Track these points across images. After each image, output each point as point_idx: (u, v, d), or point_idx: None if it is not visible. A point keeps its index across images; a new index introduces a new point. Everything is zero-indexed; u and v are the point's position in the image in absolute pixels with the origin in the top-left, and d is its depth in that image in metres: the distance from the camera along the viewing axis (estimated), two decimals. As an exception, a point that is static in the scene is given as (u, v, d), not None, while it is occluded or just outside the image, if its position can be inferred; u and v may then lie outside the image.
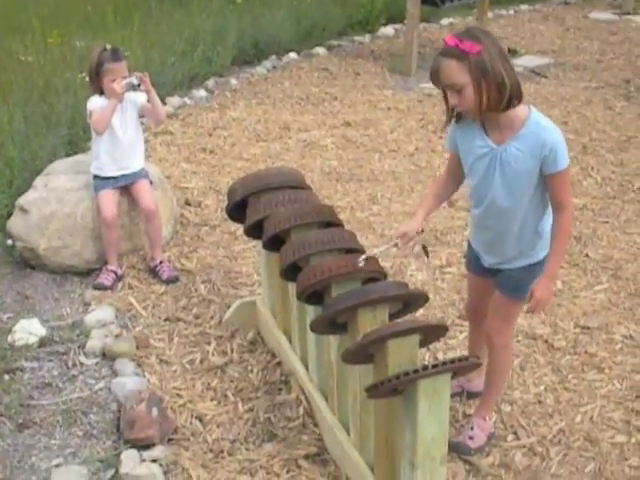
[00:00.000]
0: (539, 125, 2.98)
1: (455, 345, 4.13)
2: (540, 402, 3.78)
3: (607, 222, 5.56)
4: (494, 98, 2.89)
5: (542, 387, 3.88)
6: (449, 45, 2.89)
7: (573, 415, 3.70)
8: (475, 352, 3.57)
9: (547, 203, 3.13)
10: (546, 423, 3.64)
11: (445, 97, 3.00)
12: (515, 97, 2.92)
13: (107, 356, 4.03)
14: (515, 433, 3.58)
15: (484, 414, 3.50)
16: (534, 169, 2.99)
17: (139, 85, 4.58)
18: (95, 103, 4.66)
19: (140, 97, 4.73)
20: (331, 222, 3.52)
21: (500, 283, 3.30)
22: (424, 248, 3.48)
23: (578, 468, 3.40)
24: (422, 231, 3.25)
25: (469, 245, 3.46)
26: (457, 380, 3.71)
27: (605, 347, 4.19)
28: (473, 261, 3.45)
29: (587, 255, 5.10)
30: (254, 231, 3.74)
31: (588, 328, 4.34)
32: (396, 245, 3.23)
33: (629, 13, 12.18)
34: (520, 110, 2.98)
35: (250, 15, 9.66)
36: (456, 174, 3.32)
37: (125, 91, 4.57)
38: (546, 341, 4.22)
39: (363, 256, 3.12)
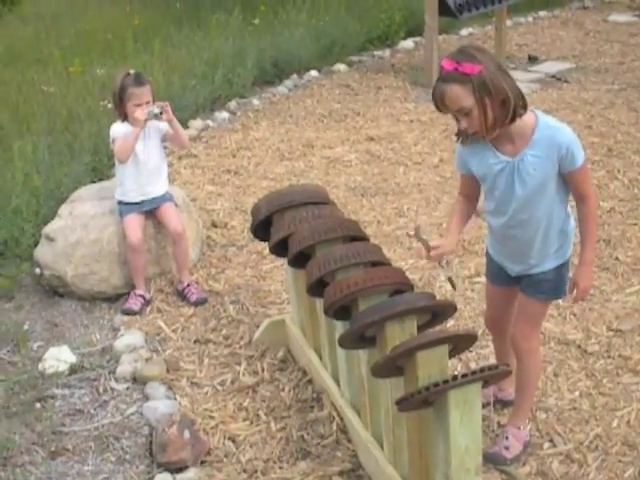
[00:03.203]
0: (550, 127, 2.99)
1: (487, 354, 4.09)
2: (575, 408, 3.73)
3: (636, 224, 5.49)
4: (499, 114, 2.91)
5: (577, 393, 3.83)
6: (448, 70, 2.88)
7: (609, 420, 3.65)
8: (503, 361, 3.53)
9: (567, 201, 3.15)
10: (582, 429, 3.59)
11: (456, 119, 3.00)
12: (520, 107, 2.93)
13: (138, 380, 4.04)
14: (551, 440, 3.53)
15: (518, 423, 3.45)
16: (553, 171, 2.99)
17: (161, 113, 4.59)
18: (118, 130, 4.68)
19: (164, 124, 4.74)
20: (356, 236, 3.51)
21: (530, 288, 3.27)
22: (450, 280, 3.38)
23: (617, 473, 3.34)
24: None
25: (490, 258, 3.44)
26: (489, 389, 3.67)
27: (639, 350, 4.14)
28: (496, 273, 3.41)
29: (617, 258, 5.04)
30: (279, 249, 3.74)
31: (621, 331, 4.28)
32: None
33: (649, 14, 12.10)
34: (527, 117, 2.99)
35: (269, 35, 9.68)
36: (471, 196, 3.35)
37: (148, 120, 4.58)
38: (579, 346, 4.17)
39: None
